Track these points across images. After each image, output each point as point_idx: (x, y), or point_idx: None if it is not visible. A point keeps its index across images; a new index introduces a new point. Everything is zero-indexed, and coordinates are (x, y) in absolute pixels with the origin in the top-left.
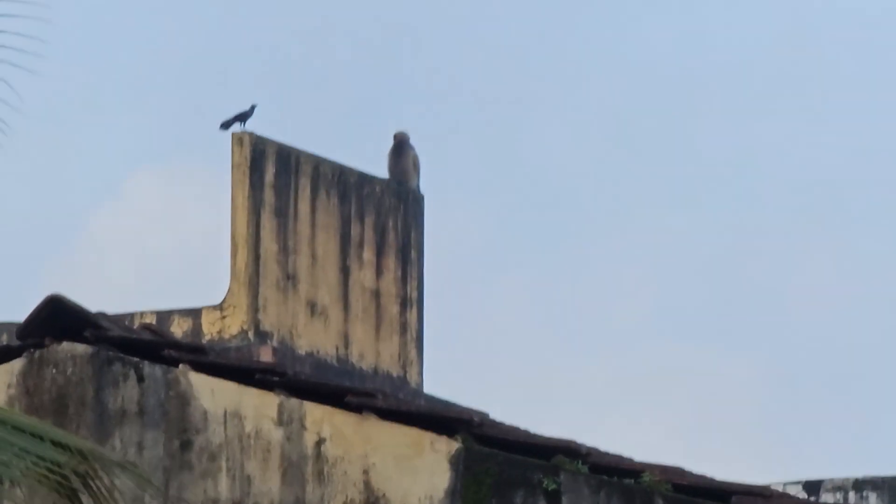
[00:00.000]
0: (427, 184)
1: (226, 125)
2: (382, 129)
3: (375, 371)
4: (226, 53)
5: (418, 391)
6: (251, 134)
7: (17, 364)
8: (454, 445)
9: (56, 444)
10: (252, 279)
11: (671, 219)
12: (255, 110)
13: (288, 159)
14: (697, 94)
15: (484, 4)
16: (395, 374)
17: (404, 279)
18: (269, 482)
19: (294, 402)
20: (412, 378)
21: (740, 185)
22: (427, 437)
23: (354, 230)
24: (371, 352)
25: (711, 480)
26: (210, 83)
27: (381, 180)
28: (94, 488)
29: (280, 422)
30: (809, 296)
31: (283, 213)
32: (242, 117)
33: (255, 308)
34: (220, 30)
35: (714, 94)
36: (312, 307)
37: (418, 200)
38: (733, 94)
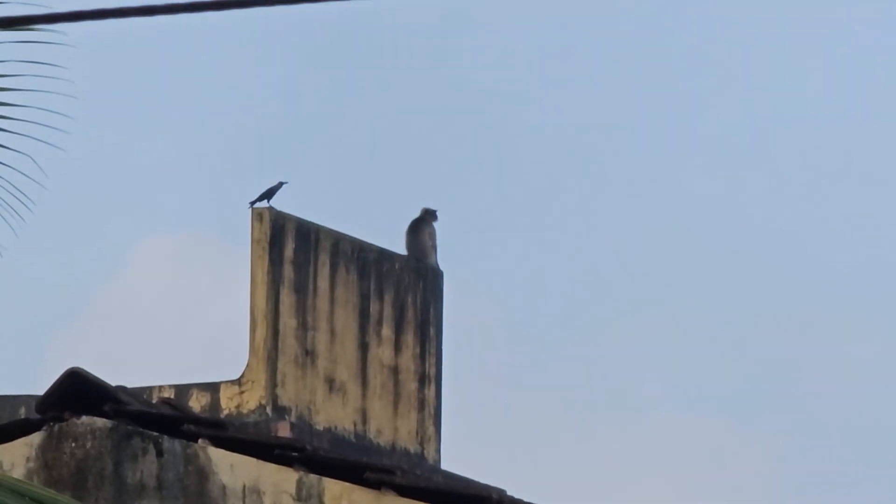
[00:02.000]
0: (450, 259)
1: (254, 202)
2: (409, 206)
3: (393, 447)
4: (239, 123)
5: (436, 468)
6: (271, 209)
7: (36, 438)
8: None
9: None
10: (271, 354)
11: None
12: (283, 187)
13: (307, 235)
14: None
15: (529, 79)
16: (412, 451)
17: (422, 355)
18: None
19: (313, 478)
20: (430, 454)
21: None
22: None
23: (373, 306)
24: (389, 428)
25: None
26: (224, 156)
27: (401, 256)
28: None
29: (299, 497)
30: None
31: (302, 289)
32: (269, 194)
33: (273, 383)
34: (233, 99)
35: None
36: (331, 383)
37: (437, 276)
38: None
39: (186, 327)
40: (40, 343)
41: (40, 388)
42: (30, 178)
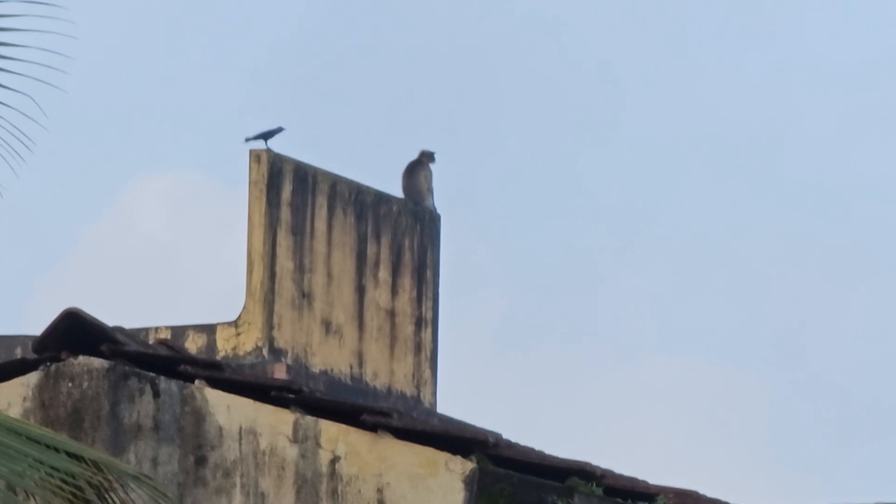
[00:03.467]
0: (448, 203)
1: (249, 139)
2: (408, 148)
3: (389, 390)
4: (241, 66)
5: (432, 411)
6: (268, 151)
7: (33, 377)
8: (469, 466)
9: (71, 455)
10: (267, 296)
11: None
12: (282, 132)
13: (305, 177)
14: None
15: (534, 24)
16: (408, 394)
17: (419, 299)
18: (283, 499)
19: (309, 419)
20: (426, 398)
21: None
22: (442, 456)
23: (370, 249)
24: (385, 371)
25: None
26: (220, 98)
27: (399, 199)
28: (109, 500)
29: (295, 439)
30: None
31: (299, 231)
32: (266, 135)
33: (269, 325)
34: (230, 42)
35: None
36: (327, 325)
37: (434, 220)
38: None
39: (177, 268)
40: (29, 280)
41: (27, 325)
42: (30, 118)
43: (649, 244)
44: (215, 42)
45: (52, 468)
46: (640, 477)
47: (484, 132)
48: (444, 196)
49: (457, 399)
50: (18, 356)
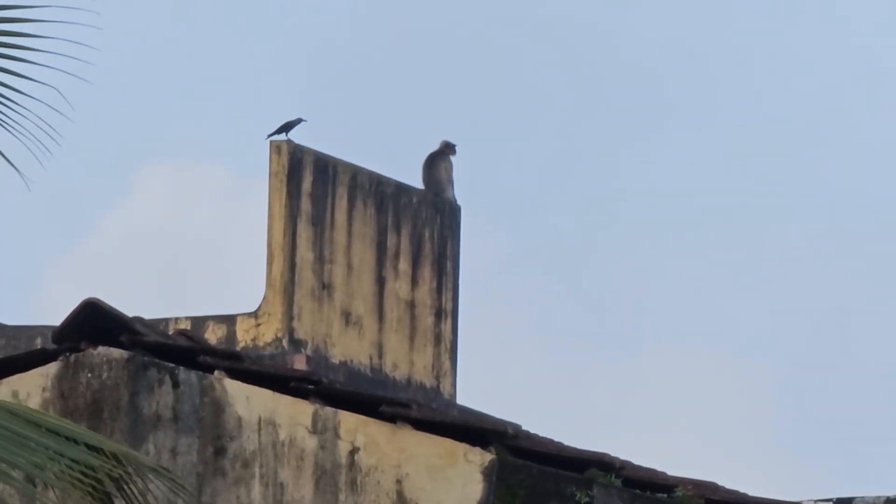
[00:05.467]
0: (468, 195)
1: (271, 135)
2: (429, 140)
3: (409, 381)
4: (257, 56)
5: (451, 402)
6: (289, 142)
7: (52, 368)
8: (488, 457)
9: (90, 447)
10: (287, 287)
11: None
12: (301, 123)
13: (325, 168)
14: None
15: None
16: (428, 385)
17: (439, 290)
18: (301, 490)
19: (329, 410)
20: (445, 389)
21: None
22: (461, 447)
23: (391, 240)
24: (405, 362)
25: (744, 496)
26: (239, 88)
27: (419, 190)
28: (128, 492)
29: (314, 430)
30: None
31: (319, 223)
32: (287, 128)
33: (289, 316)
34: (252, 33)
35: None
36: (347, 317)
37: (455, 211)
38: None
39: (193, 258)
40: (40, 267)
41: (44, 312)
42: (55, 110)
43: (674, 234)
44: (237, 34)
45: (72, 460)
46: (659, 468)
47: (507, 125)
48: (464, 187)
49: (476, 390)
50: (38, 347)
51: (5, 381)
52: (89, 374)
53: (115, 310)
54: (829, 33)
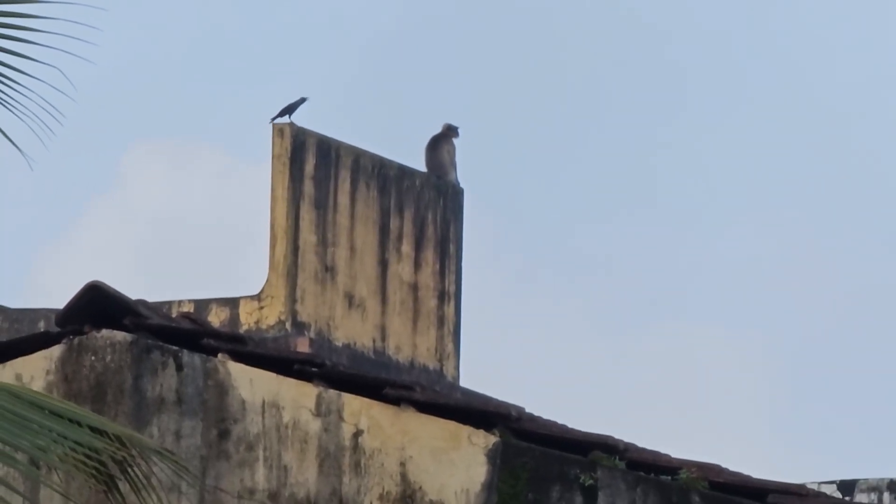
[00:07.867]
0: (469, 177)
1: (274, 118)
2: (432, 122)
3: (412, 364)
4: (268, 39)
5: (454, 385)
6: (291, 125)
7: (56, 351)
8: (491, 439)
9: (94, 430)
10: (290, 270)
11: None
12: (304, 103)
13: (328, 151)
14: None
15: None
16: (431, 368)
17: (442, 273)
18: (305, 473)
19: (332, 393)
20: (448, 371)
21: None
22: (465, 430)
23: (393, 223)
24: (408, 344)
25: (748, 478)
26: (237, 67)
27: (422, 173)
28: (132, 475)
29: (318, 413)
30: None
31: (322, 205)
32: (290, 109)
33: (292, 299)
34: (262, 14)
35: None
36: (350, 299)
37: (457, 194)
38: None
39: (195, 241)
40: (34, 251)
41: (47, 294)
42: (58, 90)
43: (679, 213)
44: (242, 14)
45: (76, 443)
46: (663, 450)
47: (507, 103)
48: (466, 169)
49: (479, 372)
50: (41, 329)
51: (9, 363)
52: (93, 357)
53: (118, 293)
54: (866, 25)
